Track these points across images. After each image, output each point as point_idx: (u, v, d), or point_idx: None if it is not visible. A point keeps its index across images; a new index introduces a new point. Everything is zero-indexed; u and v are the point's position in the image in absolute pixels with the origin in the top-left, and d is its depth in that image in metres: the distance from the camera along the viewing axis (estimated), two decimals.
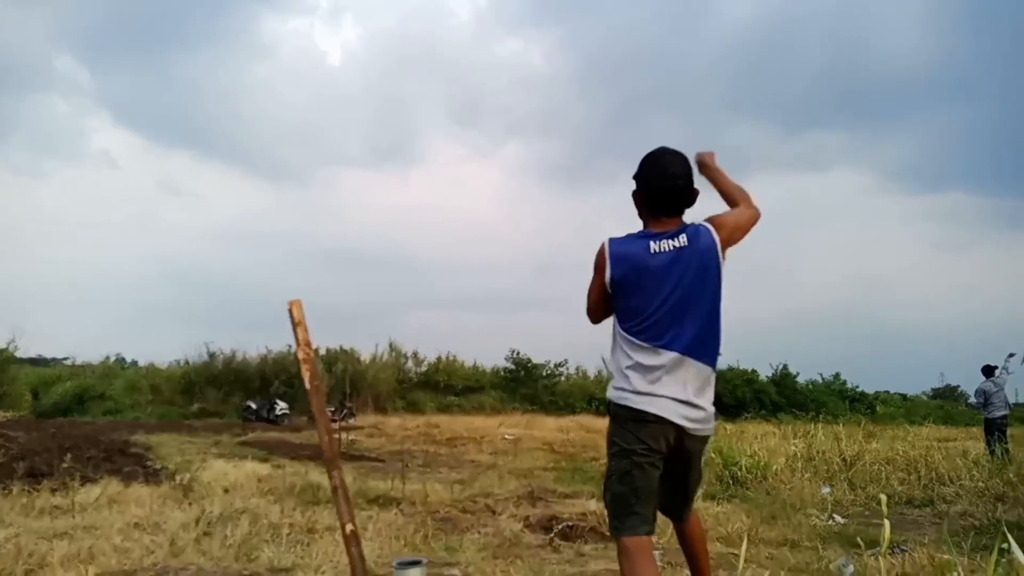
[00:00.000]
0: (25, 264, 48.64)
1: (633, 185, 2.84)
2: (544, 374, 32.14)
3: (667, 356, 2.59)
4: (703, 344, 2.63)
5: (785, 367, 33.34)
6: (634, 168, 2.84)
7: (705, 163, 2.97)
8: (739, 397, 29.81)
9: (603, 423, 2.83)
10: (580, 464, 10.98)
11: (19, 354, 26.74)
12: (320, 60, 71.27)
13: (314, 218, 61.14)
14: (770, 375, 33.10)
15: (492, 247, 61.83)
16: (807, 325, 56.24)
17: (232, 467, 8.21)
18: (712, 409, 2.68)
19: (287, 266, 50.21)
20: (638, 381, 2.61)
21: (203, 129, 65.16)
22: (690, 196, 2.75)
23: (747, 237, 2.80)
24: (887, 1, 65.05)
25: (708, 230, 2.66)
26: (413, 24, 72.47)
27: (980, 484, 7.64)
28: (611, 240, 2.72)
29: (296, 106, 66.35)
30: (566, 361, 32.79)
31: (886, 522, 3.50)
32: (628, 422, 2.62)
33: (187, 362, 26.75)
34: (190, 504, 5.78)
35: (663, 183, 2.71)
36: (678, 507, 2.89)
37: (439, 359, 30.98)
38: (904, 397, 37.20)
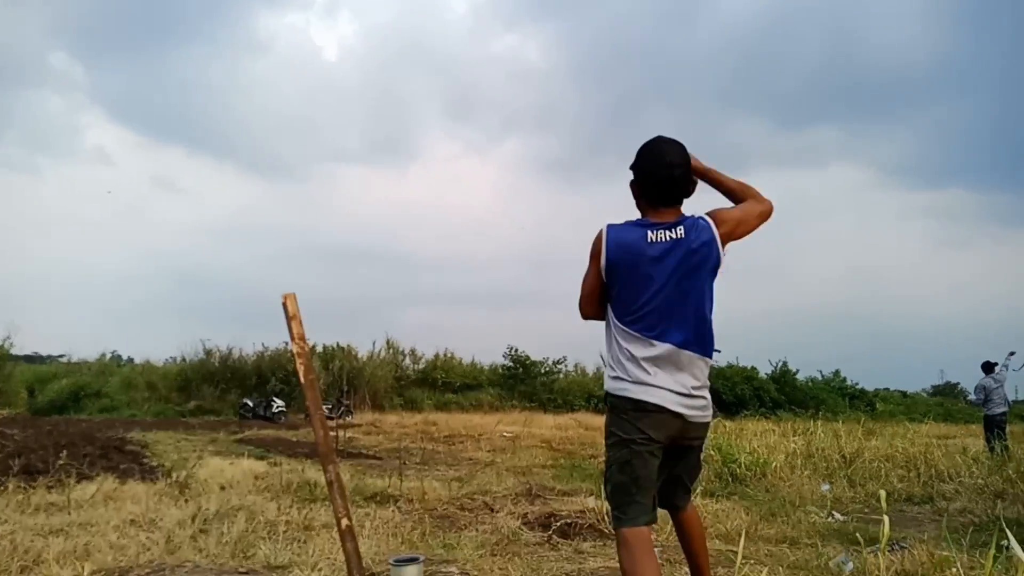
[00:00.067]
0: (20, 261, 48.65)
1: (631, 176, 2.82)
2: (542, 371, 32.13)
3: (662, 347, 2.59)
4: (698, 335, 2.63)
5: (785, 364, 33.42)
6: (631, 161, 2.83)
7: (696, 167, 2.84)
8: (739, 394, 29.85)
9: (602, 420, 2.81)
10: (578, 461, 10.98)
11: (15, 351, 26.75)
12: (316, 55, 71.32)
13: (310, 214, 61.16)
14: (770, 372, 33.17)
15: (489, 243, 61.84)
16: (807, 322, 56.43)
17: (229, 464, 8.18)
18: (709, 397, 2.70)
19: (284, 262, 50.22)
20: (636, 371, 2.60)
21: (198, 125, 65.13)
22: (688, 185, 2.73)
23: (756, 231, 2.79)
24: None
25: (707, 223, 2.64)
26: (409, 19, 72.54)
27: (979, 481, 7.64)
28: (609, 226, 2.70)
29: (292, 102, 66.38)
30: (564, 358, 32.85)
31: (885, 518, 3.49)
32: (627, 412, 2.61)
33: (183, 359, 26.76)
34: (186, 501, 5.75)
35: (660, 172, 2.69)
36: (677, 497, 2.88)
37: (437, 356, 30.99)
38: (904, 394, 37.35)
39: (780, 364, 33.39)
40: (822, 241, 64.80)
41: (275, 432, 16.10)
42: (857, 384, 35.14)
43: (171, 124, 64.17)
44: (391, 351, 30.32)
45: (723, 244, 2.64)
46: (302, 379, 2.77)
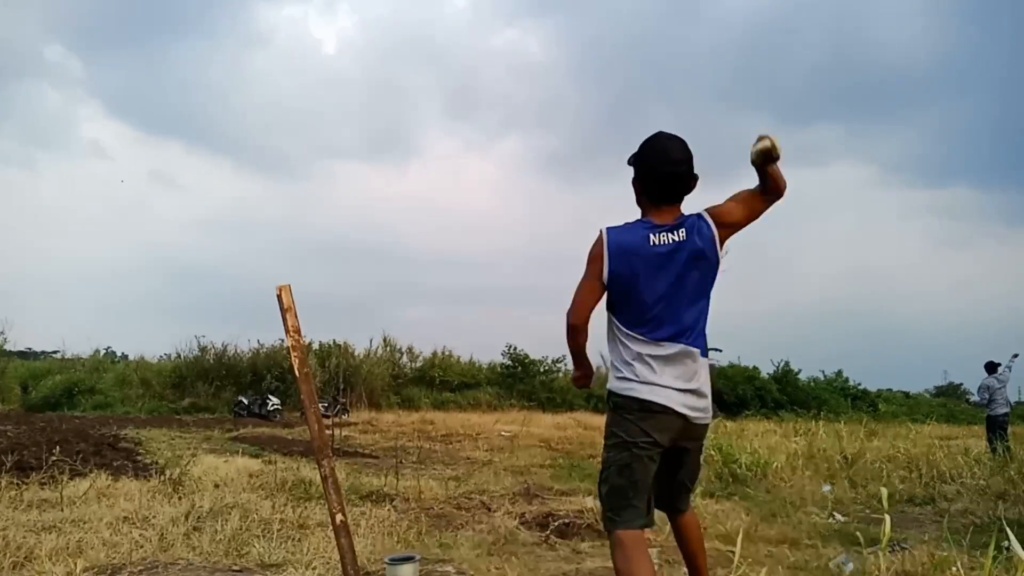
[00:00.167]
0: (15, 256, 48.24)
1: (631, 172, 2.77)
2: (541, 370, 32.02)
3: (667, 348, 2.57)
4: (701, 336, 2.64)
5: (787, 364, 33.35)
6: (631, 157, 2.77)
7: (775, 156, 2.53)
8: (740, 394, 29.79)
9: (601, 420, 2.77)
10: (577, 461, 10.93)
11: (8, 347, 26.69)
12: (315, 49, 70.93)
13: (308, 209, 60.86)
14: (772, 372, 33.10)
15: (489, 240, 61.75)
16: (809, 322, 56.46)
17: (223, 462, 8.12)
18: (710, 398, 2.68)
19: (280, 258, 49.97)
20: (642, 371, 2.58)
21: (196, 119, 64.79)
22: (690, 182, 2.69)
23: (745, 230, 2.73)
24: None
25: (707, 222, 2.62)
26: (409, 12, 72.23)
27: (981, 482, 7.62)
28: (609, 230, 2.65)
29: (290, 96, 66.00)
30: (564, 357, 32.66)
31: (887, 517, 3.46)
32: (633, 412, 2.60)
33: (178, 356, 26.60)
34: (180, 499, 5.70)
35: (663, 169, 2.65)
36: (677, 498, 2.86)
37: (434, 354, 30.88)
38: (907, 395, 37.35)
39: (782, 364, 33.37)
40: (824, 240, 64.77)
41: (270, 430, 16.02)
42: (859, 384, 35.17)
43: (169, 118, 63.92)
44: (388, 349, 30.23)
45: (722, 243, 2.62)
46: (297, 372, 2.71)
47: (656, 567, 2.80)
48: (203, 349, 26.07)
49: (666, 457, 2.67)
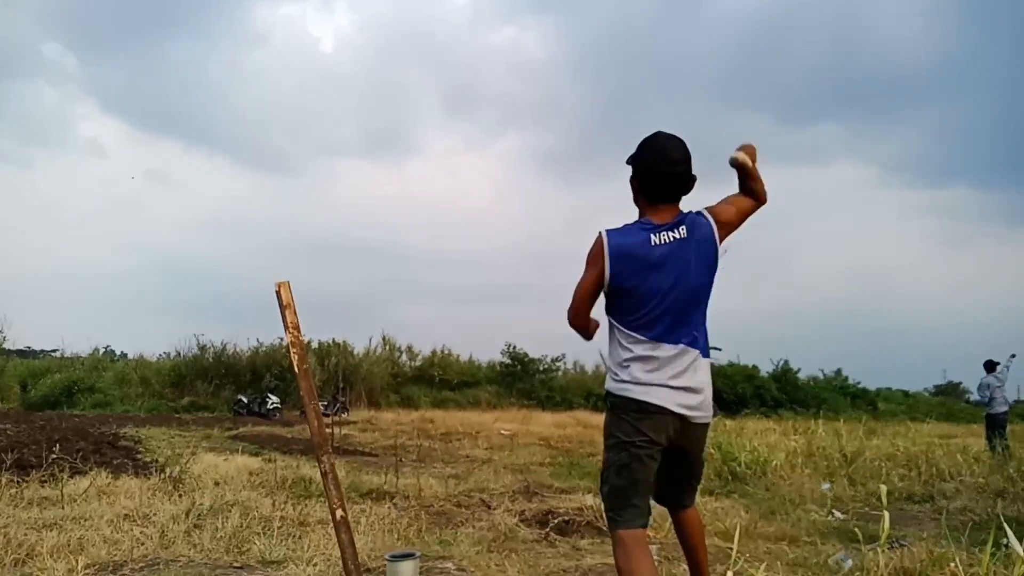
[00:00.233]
0: (13, 255, 48.22)
1: (630, 170, 2.76)
2: (541, 369, 32.04)
3: (668, 349, 2.56)
4: (702, 336, 2.63)
5: (786, 363, 33.47)
6: (630, 155, 2.77)
7: (752, 158, 2.71)
8: (740, 393, 29.84)
9: (600, 419, 2.77)
10: (576, 459, 10.93)
11: (7, 346, 26.62)
12: (313, 47, 70.86)
13: (306, 208, 60.90)
14: (771, 371, 33.19)
15: (488, 239, 61.73)
16: (808, 321, 56.48)
17: (223, 460, 8.12)
18: (710, 396, 2.67)
19: (279, 257, 49.92)
20: (639, 372, 2.57)
21: (193, 117, 64.70)
22: (689, 182, 2.68)
23: (744, 227, 2.75)
24: None
25: (707, 220, 2.61)
26: (408, 10, 72.22)
27: (980, 480, 7.64)
28: (608, 232, 2.64)
29: (288, 94, 66.00)
30: (563, 356, 32.73)
31: (886, 513, 3.47)
32: (629, 413, 2.59)
33: (177, 354, 26.60)
34: (180, 496, 5.71)
35: (662, 168, 2.64)
36: (680, 495, 2.86)
37: (434, 353, 30.92)
38: (906, 394, 37.41)
39: (781, 363, 33.46)
40: (824, 239, 64.82)
41: (269, 429, 16.02)
42: (859, 383, 35.29)
43: (165, 116, 63.79)
44: (387, 348, 30.27)
45: (720, 241, 2.62)
46: (296, 368, 2.72)
47: (656, 563, 2.81)
48: (202, 348, 26.11)
49: (668, 456, 2.67)
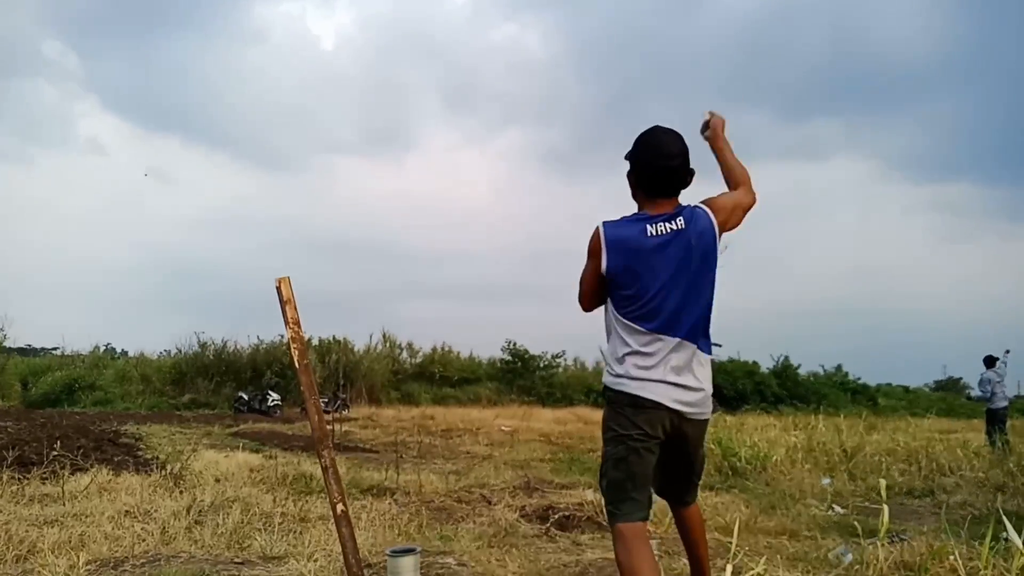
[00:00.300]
0: (13, 253, 48.19)
1: (627, 166, 2.76)
2: (541, 365, 32.08)
3: (665, 341, 2.55)
4: (701, 329, 2.60)
5: (787, 359, 33.53)
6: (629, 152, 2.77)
7: (716, 129, 2.89)
8: (740, 389, 29.87)
9: (600, 415, 2.77)
10: (577, 455, 10.95)
11: (8, 344, 26.67)
12: (313, 44, 70.74)
13: (306, 205, 60.86)
14: (771, 367, 33.25)
15: (488, 235, 61.70)
16: (809, 317, 56.38)
17: (223, 457, 8.13)
18: (709, 391, 2.65)
19: (279, 254, 49.88)
20: (634, 367, 2.56)
21: (193, 115, 64.58)
22: (686, 176, 2.67)
23: (743, 224, 2.74)
24: None
25: (705, 213, 2.60)
26: (408, 7, 72.12)
27: (980, 474, 7.65)
28: (605, 224, 2.64)
29: (288, 91, 65.84)
30: (563, 352, 32.83)
31: (885, 507, 3.47)
32: (624, 407, 2.58)
33: (178, 352, 26.64)
34: (181, 493, 5.71)
35: (659, 163, 2.63)
36: (681, 492, 2.86)
37: (434, 350, 30.98)
38: (906, 389, 37.43)
39: (782, 359, 33.52)
40: (825, 234, 64.73)
41: (270, 426, 16.05)
42: (859, 379, 35.30)
43: (166, 114, 63.67)
44: (388, 345, 30.31)
45: (720, 233, 2.61)
46: (296, 363, 2.72)
47: (657, 558, 2.81)
48: (203, 345, 26.14)
49: (668, 451, 2.66)
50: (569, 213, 55.60)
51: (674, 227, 2.56)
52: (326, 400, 19.89)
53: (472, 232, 61.90)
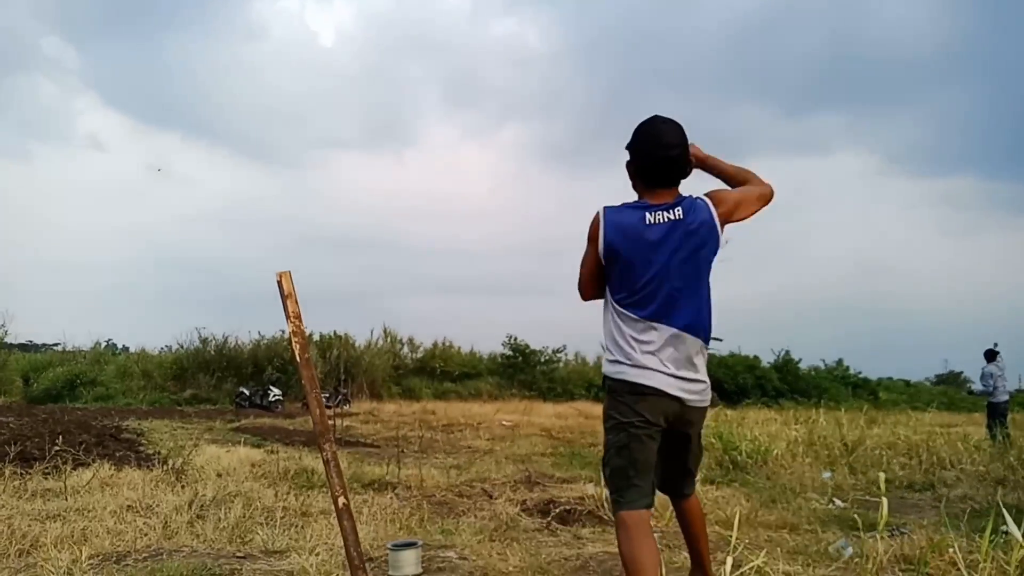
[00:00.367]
0: (14, 249, 48.21)
1: (627, 156, 2.76)
2: (542, 360, 32.15)
3: (661, 329, 2.55)
4: (697, 319, 2.60)
5: (787, 353, 33.57)
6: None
7: (697, 156, 2.86)
8: (741, 383, 29.89)
9: (601, 409, 2.77)
10: (578, 450, 10.95)
11: (9, 340, 26.74)
12: (312, 40, 70.58)
13: (307, 201, 60.77)
14: (772, 361, 33.28)
15: (489, 230, 61.64)
16: (810, 311, 56.45)
17: (225, 452, 8.15)
18: (707, 380, 2.66)
19: (280, 250, 49.82)
20: (633, 354, 2.57)
21: (193, 111, 64.45)
22: (685, 166, 2.68)
23: (754, 217, 2.73)
24: None
25: (705, 203, 2.59)
26: (407, 2, 71.90)
27: (981, 468, 7.65)
28: (606, 209, 2.65)
29: (288, 87, 65.81)
30: (564, 347, 32.89)
31: (884, 500, 3.48)
32: (624, 395, 2.59)
33: (179, 347, 26.69)
34: (183, 488, 5.72)
35: (657, 153, 2.63)
36: (679, 482, 2.87)
37: (435, 345, 31.04)
38: (907, 383, 37.44)
39: (783, 353, 33.55)
40: (826, 228, 64.56)
41: (271, 421, 16.08)
42: (860, 373, 35.33)
43: (165, 110, 63.62)
44: (389, 340, 30.36)
45: (722, 226, 2.60)
46: (297, 357, 2.72)
47: (659, 550, 2.82)
48: (204, 341, 26.17)
49: (667, 441, 2.67)
50: (569, 207, 55.61)
51: (672, 216, 2.56)
52: (327, 395, 19.92)
53: (473, 227, 61.94)
